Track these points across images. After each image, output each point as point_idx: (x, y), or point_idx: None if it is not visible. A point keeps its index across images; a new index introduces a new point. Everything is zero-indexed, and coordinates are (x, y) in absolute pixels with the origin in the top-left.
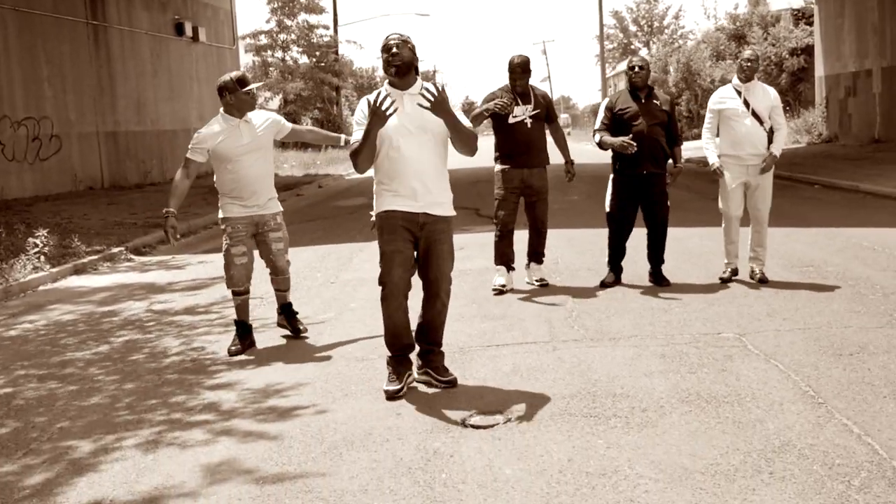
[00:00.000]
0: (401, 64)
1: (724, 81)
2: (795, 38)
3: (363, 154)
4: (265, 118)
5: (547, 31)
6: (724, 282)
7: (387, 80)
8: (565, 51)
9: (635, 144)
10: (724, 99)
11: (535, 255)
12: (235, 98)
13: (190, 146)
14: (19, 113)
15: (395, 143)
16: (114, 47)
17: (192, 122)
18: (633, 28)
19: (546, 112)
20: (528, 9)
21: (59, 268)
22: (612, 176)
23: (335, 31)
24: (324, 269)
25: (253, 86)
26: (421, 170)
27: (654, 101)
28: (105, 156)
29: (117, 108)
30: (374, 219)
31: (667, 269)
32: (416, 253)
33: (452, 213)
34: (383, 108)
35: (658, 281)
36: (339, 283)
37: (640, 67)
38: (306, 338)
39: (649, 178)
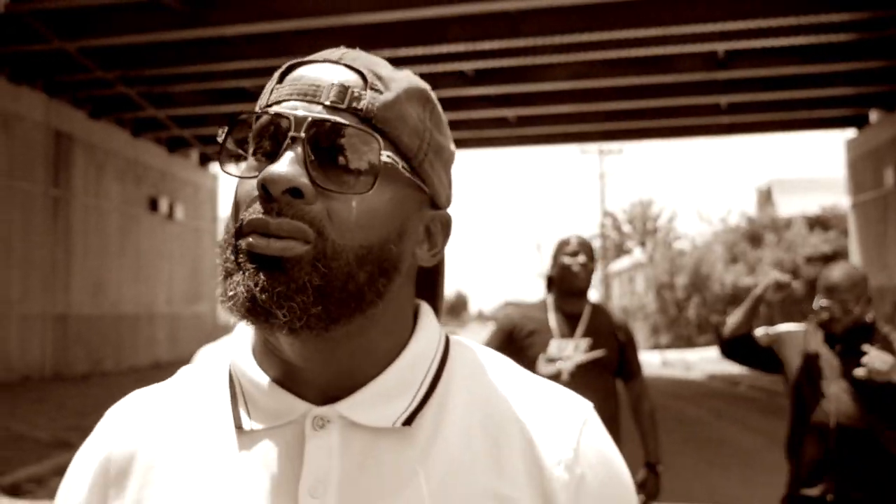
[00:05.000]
0: None
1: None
2: (812, 246)
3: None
4: None
5: (541, 232)
6: None
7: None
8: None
9: (788, 279)
10: None
11: None
12: None
13: None
14: None
15: None
16: (75, 220)
17: (159, 307)
18: (626, 228)
19: (619, 361)
20: (521, 209)
21: None
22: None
23: None
24: None
25: None
26: None
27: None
28: (51, 341)
29: (71, 287)
30: None
31: None
32: None
33: None
34: None
35: None
36: None
37: (845, 313)
38: None
39: None
